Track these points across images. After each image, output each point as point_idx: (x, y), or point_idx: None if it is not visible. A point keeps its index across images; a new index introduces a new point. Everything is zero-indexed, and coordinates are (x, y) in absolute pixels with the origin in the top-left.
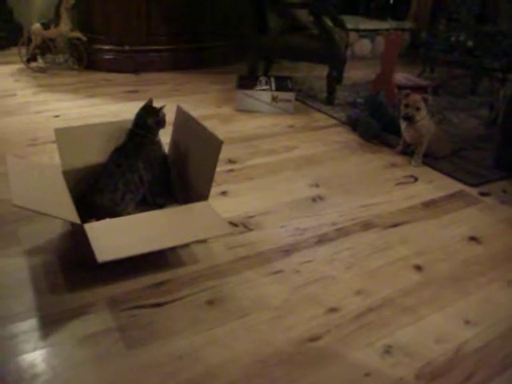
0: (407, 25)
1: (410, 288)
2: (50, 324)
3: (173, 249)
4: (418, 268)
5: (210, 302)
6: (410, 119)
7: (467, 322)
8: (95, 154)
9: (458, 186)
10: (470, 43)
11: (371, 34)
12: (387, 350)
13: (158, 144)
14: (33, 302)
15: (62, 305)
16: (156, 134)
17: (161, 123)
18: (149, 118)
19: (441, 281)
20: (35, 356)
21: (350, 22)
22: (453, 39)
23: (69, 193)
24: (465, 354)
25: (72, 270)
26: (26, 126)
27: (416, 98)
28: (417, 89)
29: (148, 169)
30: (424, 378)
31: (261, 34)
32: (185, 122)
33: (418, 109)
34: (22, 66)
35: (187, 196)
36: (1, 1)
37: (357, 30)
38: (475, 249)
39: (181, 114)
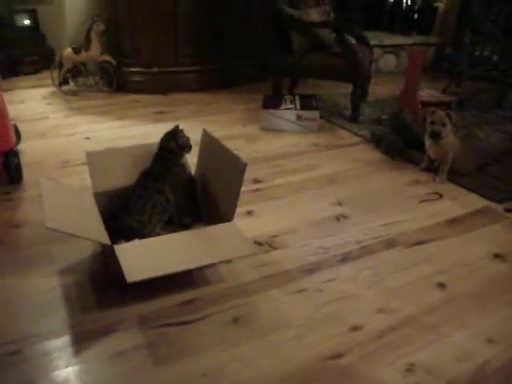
0: (432, 39)
1: (433, 306)
2: (82, 341)
3: (199, 268)
4: (441, 286)
5: (236, 320)
6: (437, 136)
7: (490, 341)
8: (124, 176)
9: (482, 203)
10: (494, 57)
11: (396, 49)
12: (409, 369)
13: (183, 166)
14: (66, 320)
15: (93, 323)
16: (180, 157)
17: (183, 147)
18: (171, 143)
19: (464, 299)
20: (68, 372)
21: (374, 37)
22: (477, 53)
23: (99, 215)
24: (487, 373)
25: (102, 290)
26: (58, 148)
27: (441, 114)
28: (441, 104)
29: (173, 190)
30: None
31: (285, 54)
32: (210, 144)
33: (444, 125)
34: (54, 89)
35: (213, 216)
36: (34, 26)
37: (381, 46)
38: (499, 266)
39: (206, 137)
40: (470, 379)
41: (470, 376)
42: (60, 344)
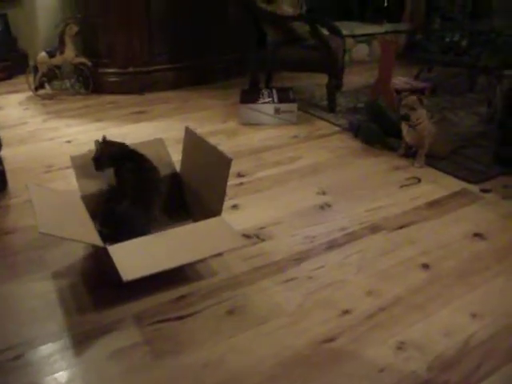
0: (403, 27)
1: (419, 286)
2: (81, 342)
3: (191, 264)
4: (426, 266)
5: (230, 312)
6: (404, 119)
7: (474, 316)
8: (110, 177)
9: (460, 185)
10: (464, 43)
11: (367, 38)
12: (399, 347)
13: (135, 170)
14: (63, 323)
15: (90, 323)
16: (123, 165)
17: (96, 162)
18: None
19: (447, 277)
20: (71, 372)
21: (346, 27)
22: (447, 39)
23: (89, 216)
24: (473, 346)
25: (97, 290)
26: (40, 153)
27: (410, 99)
28: (415, 91)
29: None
30: (435, 370)
31: (260, 48)
32: (193, 141)
33: (412, 109)
34: (30, 94)
35: (201, 212)
36: (6, 30)
37: (353, 36)
38: (480, 245)
39: (189, 134)
40: (457, 352)
41: (457, 349)
42: (60, 346)
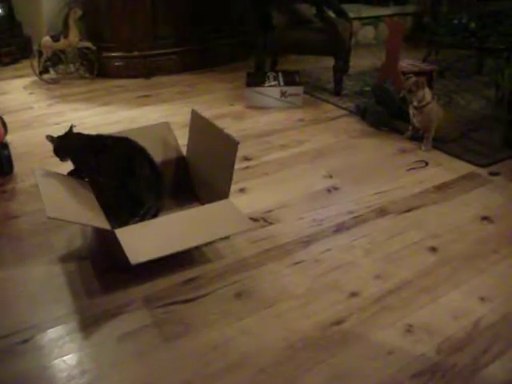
0: (410, 9)
1: (427, 269)
2: (90, 325)
3: (198, 247)
4: (434, 250)
5: (238, 295)
6: (404, 101)
7: (482, 299)
8: None
9: (468, 168)
10: (472, 25)
11: (374, 20)
12: (408, 329)
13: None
14: (72, 306)
15: (99, 306)
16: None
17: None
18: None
19: (455, 260)
20: (81, 355)
21: (352, 10)
22: (456, 21)
23: (96, 200)
24: (481, 329)
25: (105, 274)
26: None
27: (409, 81)
28: (422, 74)
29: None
30: (444, 353)
31: (266, 31)
32: (200, 124)
33: (410, 91)
34: (34, 78)
35: (208, 195)
36: (10, 15)
37: (359, 18)
38: (487, 228)
39: (196, 117)
40: (465, 335)
41: (465, 332)
42: (69, 329)
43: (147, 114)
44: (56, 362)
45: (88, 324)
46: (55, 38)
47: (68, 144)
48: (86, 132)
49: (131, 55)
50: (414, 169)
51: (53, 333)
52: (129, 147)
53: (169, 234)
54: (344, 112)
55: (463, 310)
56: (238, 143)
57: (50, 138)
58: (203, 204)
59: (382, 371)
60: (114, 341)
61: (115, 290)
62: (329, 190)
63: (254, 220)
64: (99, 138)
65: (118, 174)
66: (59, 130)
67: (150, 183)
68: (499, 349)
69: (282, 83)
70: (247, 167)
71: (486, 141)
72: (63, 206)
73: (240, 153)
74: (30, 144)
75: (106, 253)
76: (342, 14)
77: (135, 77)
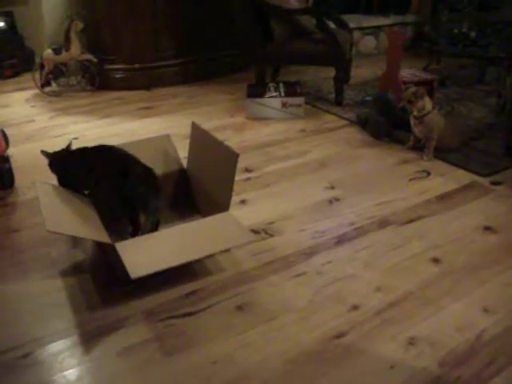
0: (410, 18)
1: (429, 281)
2: (90, 339)
3: (199, 260)
4: (436, 261)
5: (240, 308)
6: (404, 111)
7: (486, 310)
8: None
9: (470, 177)
10: (472, 34)
11: (375, 30)
12: (410, 342)
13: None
14: (73, 320)
15: (100, 320)
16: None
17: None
18: None
19: (458, 271)
20: (81, 369)
21: (353, 20)
22: (456, 31)
23: (96, 214)
24: (485, 341)
25: (106, 287)
26: (48, 150)
27: (408, 91)
28: (422, 83)
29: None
30: (447, 366)
31: (266, 42)
32: (200, 136)
33: (410, 101)
34: (36, 91)
35: (209, 208)
36: (12, 29)
37: (360, 28)
38: (490, 238)
39: (196, 129)
40: (469, 348)
41: (469, 344)
42: (69, 343)
43: (148, 126)
44: (56, 377)
45: (88, 338)
46: (57, 51)
47: (61, 159)
48: (87, 145)
49: (132, 67)
50: (415, 179)
51: (53, 347)
52: (118, 154)
53: (169, 248)
54: (345, 122)
55: (466, 322)
56: (238, 155)
57: (45, 154)
58: (204, 216)
59: None
60: (113, 355)
61: (116, 304)
62: (330, 201)
63: (255, 232)
64: (92, 152)
65: (112, 179)
66: (60, 143)
67: (146, 180)
68: (503, 362)
69: (282, 94)
70: (248, 178)
71: (488, 150)
72: (63, 220)
73: (241, 164)
74: (32, 157)
75: (106, 266)
76: (342, 24)
77: (136, 89)
